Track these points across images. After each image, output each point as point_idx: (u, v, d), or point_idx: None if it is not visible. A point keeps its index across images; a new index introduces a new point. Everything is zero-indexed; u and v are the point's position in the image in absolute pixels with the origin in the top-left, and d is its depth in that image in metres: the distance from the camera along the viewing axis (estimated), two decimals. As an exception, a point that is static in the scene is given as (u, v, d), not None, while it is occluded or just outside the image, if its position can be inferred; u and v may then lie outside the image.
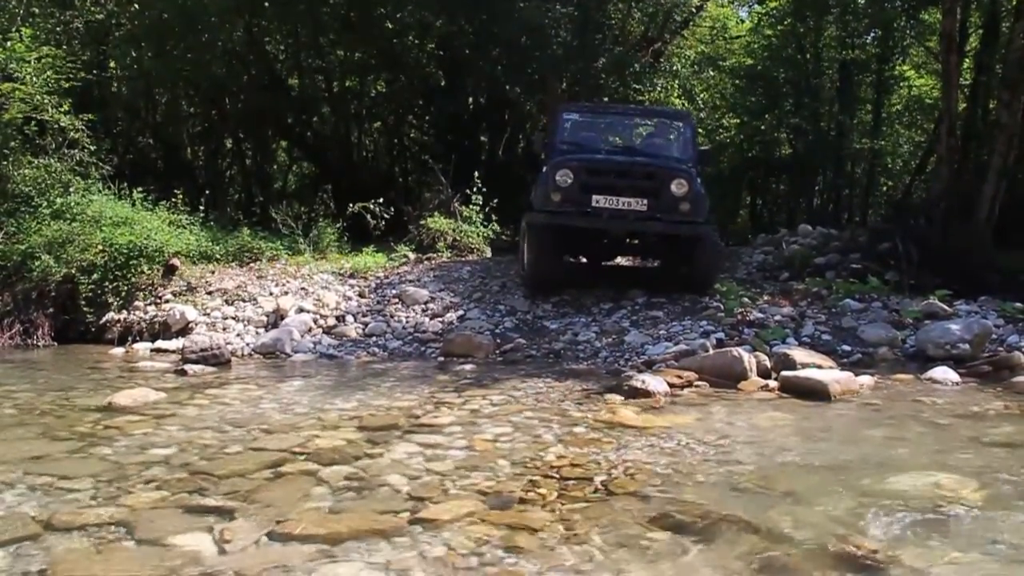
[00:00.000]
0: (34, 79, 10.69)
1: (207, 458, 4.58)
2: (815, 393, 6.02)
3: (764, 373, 6.60)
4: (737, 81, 18.16)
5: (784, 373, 6.42)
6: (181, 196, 11.46)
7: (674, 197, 8.66)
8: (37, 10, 12.78)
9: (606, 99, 12.90)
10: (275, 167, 20.09)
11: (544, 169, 9.37)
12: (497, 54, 15.48)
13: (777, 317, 8.24)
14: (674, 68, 17.41)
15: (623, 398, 5.94)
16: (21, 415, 5.78)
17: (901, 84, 17.38)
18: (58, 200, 10.51)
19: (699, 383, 6.42)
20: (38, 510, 3.78)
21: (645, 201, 8.69)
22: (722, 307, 8.53)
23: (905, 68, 17.25)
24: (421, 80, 16.82)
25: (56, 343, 9.38)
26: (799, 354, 6.81)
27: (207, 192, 13.26)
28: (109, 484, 4.14)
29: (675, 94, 18.02)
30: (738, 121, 18.07)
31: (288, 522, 3.55)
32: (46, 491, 4.06)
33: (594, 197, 8.72)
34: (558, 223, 8.98)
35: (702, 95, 18.46)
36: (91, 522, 3.61)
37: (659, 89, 17.16)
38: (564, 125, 10.20)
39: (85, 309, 9.43)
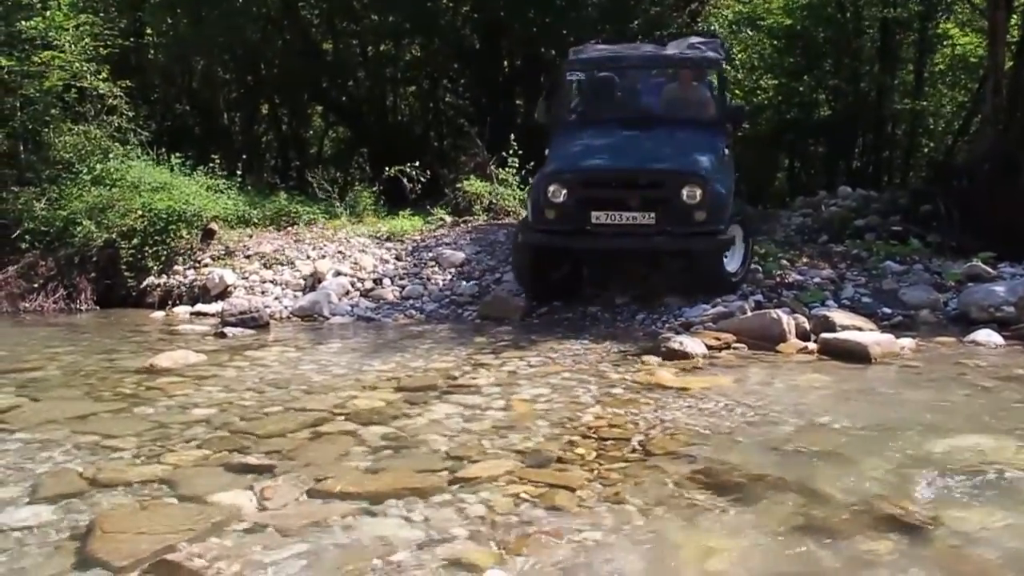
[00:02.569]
0: (73, 47, 10.76)
1: (247, 418, 4.64)
2: (855, 355, 5.95)
3: (803, 335, 6.53)
4: (775, 41, 17.82)
5: (823, 335, 6.35)
6: (218, 161, 11.53)
7: (686, 206, 7.34)
8: (74, -23, 12.82)
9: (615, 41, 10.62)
10: (311, 132, 20.13)
11: (536, 176, 8.33)
12: (532, 16, 15.33)
13: (816, 279, 8.14)
14: (711, 28, 17.14)
15: (661, 360, 5.91)
16: (66, 376, 5.89)
17: (945, 43, 16.96)
18: (98, 166, 10.61)
19: (737, 345, 6.37)
20: (84, 467, 3.86)
21: (652, 214, 7.42)
22: (760, 269, 8.44)
23: (949, 26, 16.82)
24: (456, 43, 16.70)
25: (98, 307, 9.52)
26: (839, 316, 6.73)
27: (244, 157, 13.30)
28: (152, 443, 4.22)
29: (712, 55, 17.76)
30: (776, 82, 17.74)
31: (327, 480, 3.60)
32: (92, 449, 4.14)
33: (593, 213, 7.49)
34: (555, 244, 7.89)
35: (739, 56, 18.16)
36: (135, 479, 3.68)
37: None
38: (571, 88, 9.05)
39: (126, 273, 9.56)
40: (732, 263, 8.06)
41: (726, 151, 8.10)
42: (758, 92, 17.84)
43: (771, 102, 17.67)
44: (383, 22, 16.90)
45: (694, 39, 9.22)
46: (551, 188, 7.60)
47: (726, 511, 3.32)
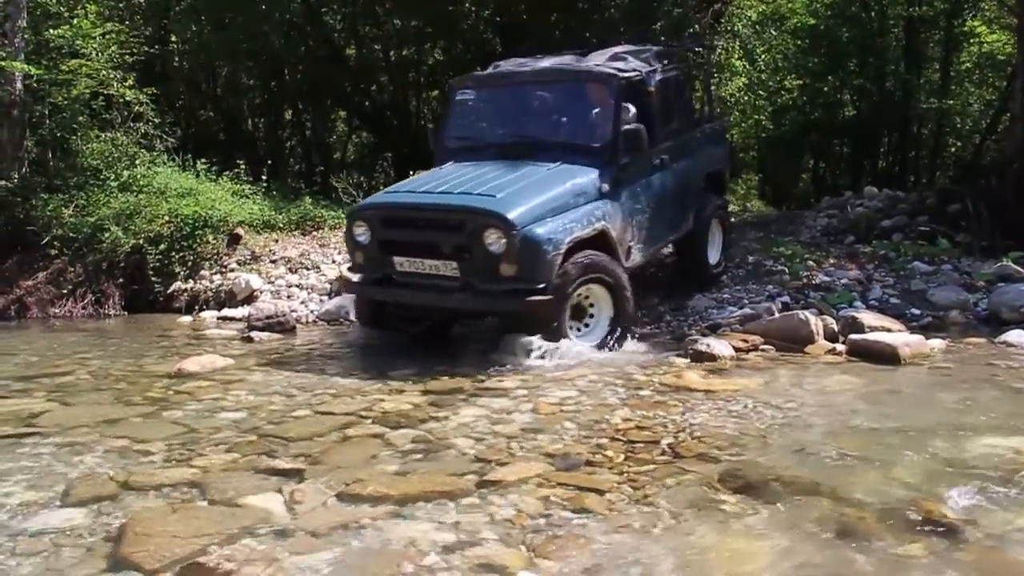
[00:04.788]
0: (99, 55, 10.86)
1: (275, 421, 4.66)
2: (884, 357, 5.90)
3: (831, 337, 6.48)
4: (799, 41, 17.72)
5: (852, 336, 6.30)
6: (243, 167, 11.59)
7: (490, 256, 5.88)
8: (101, -14, 12.96)
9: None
10: (335, 137, 20.19)
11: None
12: (554, 19, 15.32)
13: (843, 281, 8.08)
14: (734, 28, 17.05)
15: (688, 362, 5.89)
16: (96, 381, 5.94)
17: (971, 41, 16.79)
18: (125, 173, 10.69)
19: (765, 347, 6.33)
20: (116, 471, 3.89)
21: (455, 264, 6.07)
22: (787, 271, 8.39)
23: (976, 23, 16.65)
24: (478, 47, 16.69)
25: (126, 312, 9.59)
26: (867, 317, 6.67)
27: (268, 162, 13.36)
28: (182, 446, 4.25)
29: (736, 55, 17.67)
30: (800, 83, 17.63)
31: (357, 483, 3.60)
32: (122, 453, 4.17)
33: (395, 259, 6.32)
34: (362, 293, 6.90)
35: (763, 56, 18.07)
36: (165, 483, 3.71)
37: (719, 51, 16.84)
38: (455, 110, 7.71)
39: (153, 279, 9.62)
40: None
41: (603, 185, 6.46)
42: (782, 92, 17.73)
43: (795, 102, 17.56)
44: (406, 27, 16.93)
45: (622, 48, 7.75)
46: (355, 228, 6.55)
47: (756, 514, 3.30)
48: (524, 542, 3.04)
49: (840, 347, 6.27)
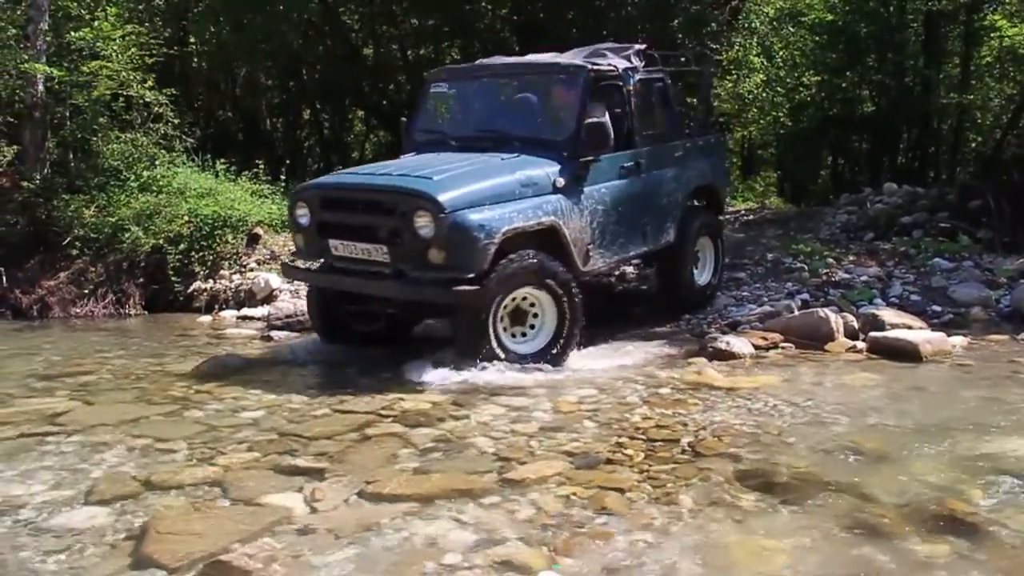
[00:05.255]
0: (120, 56, 10.91)
1: (295, 420, 4.68)
2: (905, 354, 5.86)
3: (851, 334, 6.44)
4: (817, 37, 17.63)
5: (872, 334, 6.26)
6: (262, 166, 11.64)
7: (420, 240, 5.48)
8: (120, -11, 13.02)
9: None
10: (352, 136, 20.25)
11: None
12: (571, 17, 15.31)
13: (863, 277, 8.03)
14: (752, 25, 16.97)
15: (708, 360, 5.87)
16: (117, 380, 5.98)
17: (992, 35, 16.65)
18: (145, 173, 10.74)
19: (785, 344, 6.29)
20: (138, 470, 3.92)
21: (386, 249, 5.75)
22: (807, 268, 8.35)
23: (996, 17, 16.50)
24: (495, 46, 16.68)
25: (147, 312, 9.64)
26: (888, 314, 6.63)
27: (287, 162, 13.43)
28: (203, 445, 4.28)
29: (753, 52, 17.60)
30: (819, 78, 17.54)
31: (377, 482, 3.62)
32: (144, 452, 4.21)
33: (331, 242, 6.02)
34: (301, 279, 6.76)
35: (781, 52, 17.98)
36: (187, 482, 3.74)
37: (736, 48, 16.76)
38: (427, 103, 7.40)
39: (173, 279, 9.67)
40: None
41: (559, 179, 6.01)
42: (800, 89, 17.64)
43: (814, 99, 17.46)
44: (423, 26, 16.96)
45: (605, 45, 7.46)
46: (297, 209, 6.26)
47: (777, 512, 3.30)
48: (545, 541, 3.04)
49: (860, 344, 6.23)
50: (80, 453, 4.20)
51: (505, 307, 5.68)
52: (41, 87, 10.70)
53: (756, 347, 6.15)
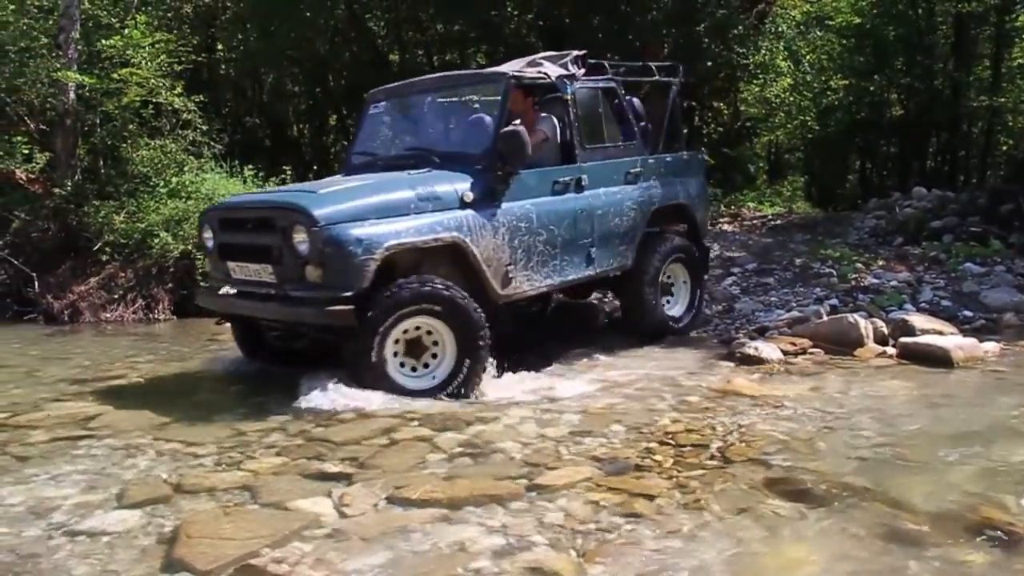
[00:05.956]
0: (149, 64, 11.04)
1: (323, 424, 4.68)
2: (936, 360, 5.80)
3: (881, 340, 6.39)
4: (845, 41, 17.52)
5: (903, 339, 6.21)
6: (289, 172, 11.72)
7: (298, 257, 5.15)
8: (150, -3, 13.20)
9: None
10: (378, 142, 20.40)
11: None
12: (597, 22, 15.31)
13: (893, 283, 7.96)
14: (779, 29, 16.90)
15: (735, 365, 5.85)
16: (147, 384, 6.04)
17: (1023, 36, 16.50)
18: (174, 179, 10.85)
19: (813, 350, 6.25)
20: (168, 474, 3.94)
21: (271, 268, 5.42)
22: (835, 273, 8.29)
23: (1027, 19, 16.36)
24: (521, 51, 16.71)
25: (175, 317, 9.73)
26: (918, 320, 6.57)
27: (314, 168, 13.51)
28: (232, 449, 4.29)
29: (780, 56, 17.51)
30: (846, 82, 17.42)
31: (406, 487, 3.61)
32: (174, 456, 4.23)
33: (229, 264, 5.76)
34: (207, 305, 6.28)
35: (808, 57, 17.89)
36: (217, 486, 3.75)
37: (763, 52, 16.70)
38: (364, 125, 7.13)
39: (202, 284, 9.74)
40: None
41: (467, 194, 5.53)
42: (828, 93, 17.53)
43: (841, 103, 17.35)
44: (449, 31, 17.03)
45: (546, 54, 6.89)
46: (203, 232, 6.01)
47: (808, 519, 3.27)
48: (574, 547, 3.03)
49: (891, 350, 6.18)
50: (111, 457, 4.23)
51: (398, 338, 5.18)
52: (72, 95, 10.86)
53: (785, 352, 6.11)
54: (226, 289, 5.90)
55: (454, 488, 3.59)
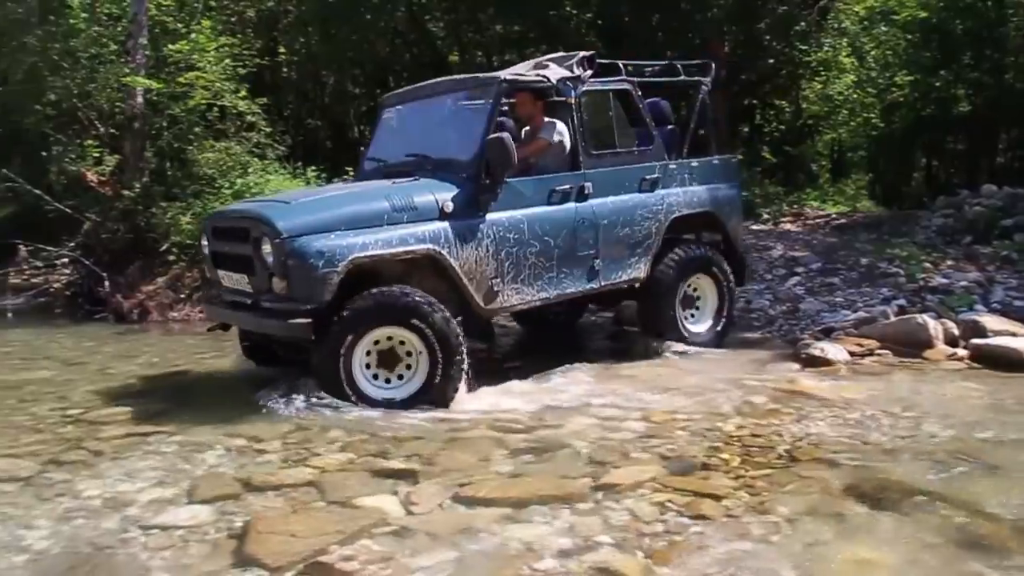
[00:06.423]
0: (214, 68, 11.24)
1: (385, 421, 4.72)
2: (1010, 362, 5.64)
3: (951, 341, 6.23)
4: (910, 36, 17.17)
5: (974, 341, 6.05)
6: (351, 173, 11.82)
7: (267, 267, 5.10)
8: (215, 3, 13.38)
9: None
10: (438, 143, 20.53)
11: None
12: (656, 20, 15.22)
13: (963, 283, 7.75)
14: (842, 25, 16.63)
15: (801, 367, 5.76)
16: (213, 382, 6.18)
17: (1099, 27, 16.02)
18: (238, 181, 11.00)
19: (881, 351, 6.12)
20: (236, 471, 4.02)
21: (246, 277, 5.43)
22: (902, 273, 8.11)
23: (1104, 9, 15.87)
24: (580, 50, 16.74)
25: (240, 316, 9.88)
26: (990, 321, 6.39)
27: (374, 169, 13.62)
28: (297, 446, 4.36)
29: (844, 53, 17.23)
30: (912, 78, 17.07)
31: (471, 486, 3.64)
32: (241, 452, 4.31)
33: (220, 272, 5.78)
34: (207, 314, 6.37)
35: (872, 52, 17.57)
36: (285, 483, 3.81)
37: (826, 48, 16.44)
38: (378, 130, 7.04)
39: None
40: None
41: (447, 204, 5.31)
42: (892, 89, 17.19)
43: (906, 99, 17.00)
44: (508, 31, 17.06)
45: (553, 56, 6.51)
46: (202, 240, 6.03)
47: (879, 522, 3.21)
48: (641, 548, 3.02)
49: (961, 352, 6.02)
50: (180, 453, 4.31)
51: (369, 349, 5.09)
52: (140, 99, 11.10)
53: (851, 354, 6.00)
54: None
55: (519, 487, 3.61)
